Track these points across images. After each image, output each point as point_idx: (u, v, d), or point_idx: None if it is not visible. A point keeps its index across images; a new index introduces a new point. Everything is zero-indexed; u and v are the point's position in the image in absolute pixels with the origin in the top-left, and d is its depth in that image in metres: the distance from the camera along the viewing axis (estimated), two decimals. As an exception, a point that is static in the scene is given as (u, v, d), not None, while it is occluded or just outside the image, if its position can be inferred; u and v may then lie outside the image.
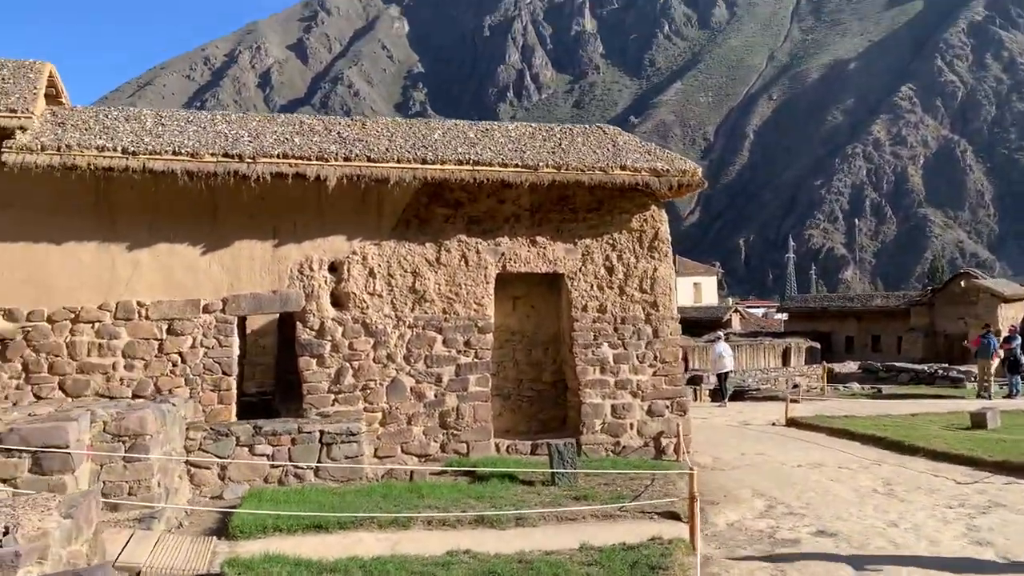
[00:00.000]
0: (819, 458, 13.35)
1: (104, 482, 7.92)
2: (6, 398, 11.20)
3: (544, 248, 13.12)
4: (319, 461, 10.23)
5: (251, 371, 18.52)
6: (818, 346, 41.35)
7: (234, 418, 12.00)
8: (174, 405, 9.50)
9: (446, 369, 12.67)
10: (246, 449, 10.08)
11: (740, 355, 36.92)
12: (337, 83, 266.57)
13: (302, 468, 10.20)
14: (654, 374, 13.36)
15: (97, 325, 11.73)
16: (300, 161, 11.76)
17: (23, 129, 11.22)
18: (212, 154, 11.53)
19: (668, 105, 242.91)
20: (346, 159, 11.89)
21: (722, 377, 24.16)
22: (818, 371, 30.14)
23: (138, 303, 11.87)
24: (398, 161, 12.04)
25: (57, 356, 11.57)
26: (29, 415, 8.10)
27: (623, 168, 12.85)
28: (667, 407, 13.32)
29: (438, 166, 12.18)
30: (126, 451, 7.98)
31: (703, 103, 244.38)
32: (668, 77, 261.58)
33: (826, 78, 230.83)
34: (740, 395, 25.77)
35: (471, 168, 12.28)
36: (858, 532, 8.53)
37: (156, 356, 11.85)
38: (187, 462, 9.95)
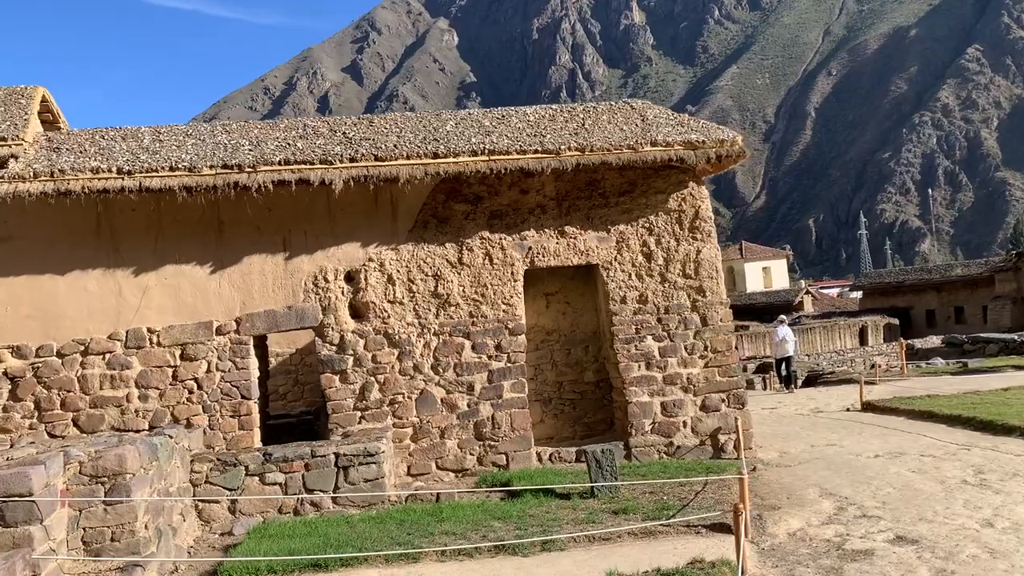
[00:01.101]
0: (898, 446, 11.96)
1: (84, 529, 7.23)
2: (13, 442, 10.73)
3: (574, 239, 12.09)
4: (336, 486, 9.42)
5: (299, 391, 18.02)
6: (897, 322, 39.09)
7: (257, 443, 11.33)
8: (170, 437, 8.80)
9: (477, 376, 11.75)
10: (256, 479, 9.34)
11: (813, 337, 35.12)
12: (392, 100, 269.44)
13: (318, 495, 9.40)
14: (706, 366, 12.18)
15: (108, 356, 11.20)
16: (303, 166, 11.01)
17: (15, 157, 10.77)
18: (211, 167, 10.88)
19: (725, 90, 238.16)
20: (352, 160, 11.10)
21: (785, 362, 22.68)
22: (897, 349, 28.20)
23: (148, 329, 11.29)
24: (408, 158, 11.20)
25: (69, 391, 11.07)
26: (8, 459, 7.47)
27: (654, 144, 11.75)
28: (723, 401, 12.12)
29: (451, 159, 11.29)
30: (106, 493, 7.28)
31: (760, 85, 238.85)
32: (722, 62, 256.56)
33: (886, 48, 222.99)
34: (813, 380, 24.19)
35: (487, 158, 11.36)
36: (945, 536, 7.26)
37: (171, 384, 11.26)
38: (194, 496, 9.26)
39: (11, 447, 9.01)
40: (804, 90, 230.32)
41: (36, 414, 11.01)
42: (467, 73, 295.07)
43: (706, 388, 12.13)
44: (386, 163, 11.13)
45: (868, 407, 16.16)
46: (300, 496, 9.37)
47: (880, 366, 26.31)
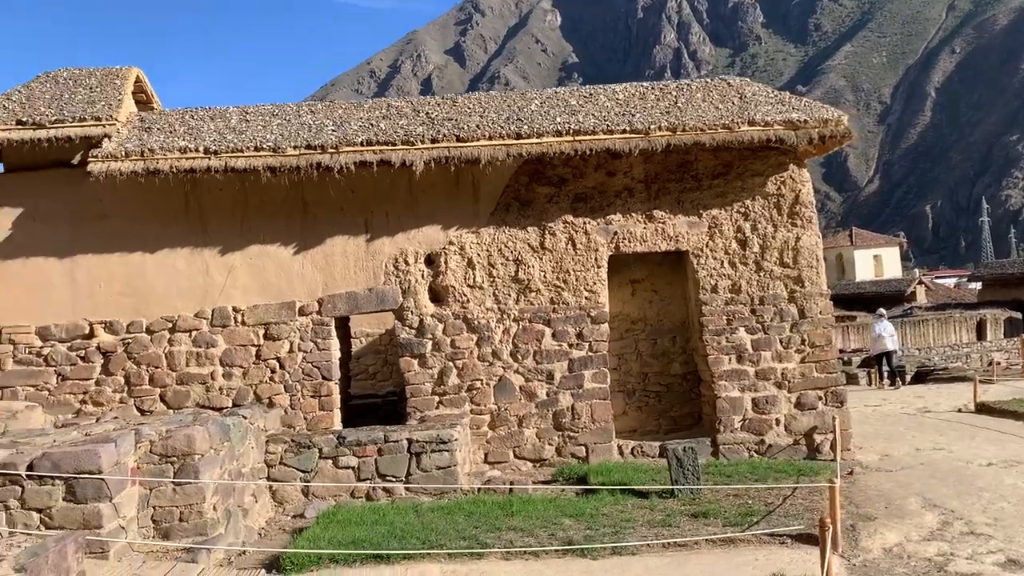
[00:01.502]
0: (1016, 453, 10.96)
1: (154, 508, 7.27)
2: (99, 417, 11.04)
3: (663, 223, 11.53)
4: (408, 472, 9.26)
5: (388, 371, 18.10)
6: (1020, 316, 36.47)
7: (337, 425, 11.33)
8: (244, 417, 8.80)
9: (557, 365, 11.39)
10: (330, 462, 9.27)
11: (925, 330, 33.17)
12: (494, 82, 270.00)
13: (391, 481, 9.26)
14: (802, 361, 11.45)
15: (194, 333, 11.38)
16: (384, 147, 10.86)
17: (108, 137, 11.00)
18: (295, 147, 10.87)
19: (838, 70, 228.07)
20: (433, 141, 10.87)
21: (885, 357, 21.38)
22: (1019, 345, 26.24)
23: (234, 308, 11.41)
24: (490, 138, 10.89)
25: (157, 367, 11.31)
26: (86, 435, 7.60)
27: (751, 123, 11.05)
28: (819, 398, 11.38)
29: (534, 140, 10.92)
30: (175, 473, 7.30)
31: (876, 64, 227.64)
32: (836, 40, 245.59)
33: (1017, 23, 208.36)
34: (923, 376, 22.75)
35: (572, 139, 10.93)
36: (1067, 563, 6.49)
37: (254, 363, 11.36)
38: (268, 477, 9.27)
39: (96, 422, 9.22)
40: (924, 69, 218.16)
41: (126, 389, 11.30)
42: (569, 54, 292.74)
43: (802, 384, 11.41)
44: (467, 144, 10.86)
45: (983, 408, 14.97)
46: (372, 481, 9.26)
47: (999, 363, 24.50)
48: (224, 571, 6.55)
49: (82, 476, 6.60)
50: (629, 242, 11.48)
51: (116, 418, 9.36)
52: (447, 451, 9.27)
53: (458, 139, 10.89)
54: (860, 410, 15.14)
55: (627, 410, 12.02)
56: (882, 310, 24.45)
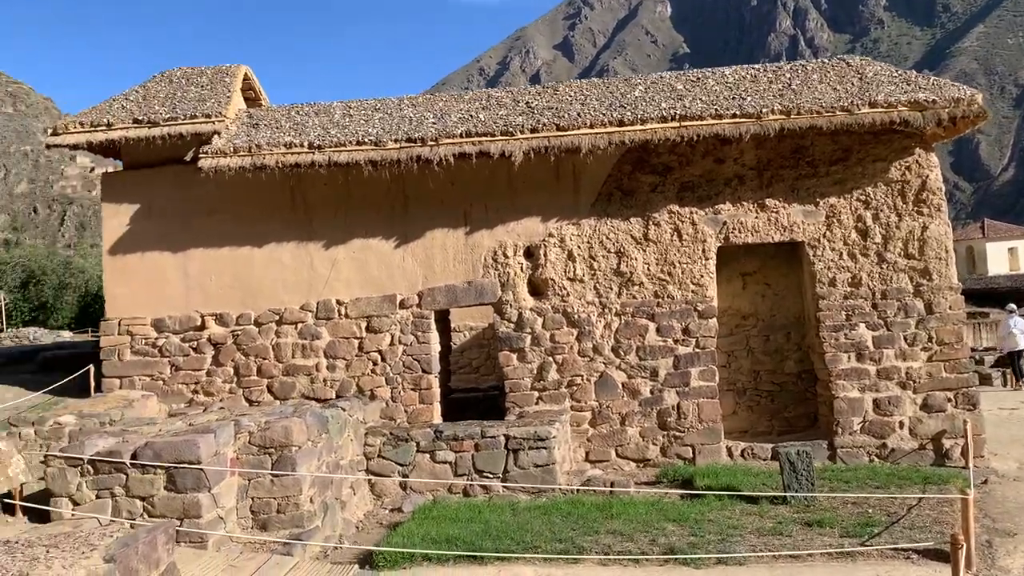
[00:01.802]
0: None
1: (252, 499, 7.33)
2: (218, 401, 11.33)
3: (776, 212, 10.91)
4: (505, 469, 9.06)
5: (491, 365, 18.04)
6: None
7: (437, 419, 11.26)
8: (343, 409, 8.81)
9: (662, 362, 10.95)
10: (427, 456, 9.17)
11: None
12: (603, 75, 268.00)
13: (488, 477, 9.09)
14: (929, 359, 10.61)
15: (300, 326, 11.54)
16: (483, 138, 10.69)
17: (218, 133, 11.27)
18: (395, 140, 10.84)
19: (968, 53, 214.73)
20: (533, 130, 10.63)
21: (1018, 355, 19.73)
22: None
23: (337, 301, 11.51)
24: (591, 126, 10.55)
25: (264, 358, 11.53)
26: (189, 424, 7.74)
27: (872, 104, 10.30)
28: (949, 400, 10.52)
29: (637, 127, 10.51)
30: (273, 464, 7.32)
31: (1012, 45, 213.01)
32: (967, 21, 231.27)
33: None
34: (1069, 379, 20.85)
35: (678, 124, 10.47)
36: None
37: (357, 355, 11.42)
38: (367, 470, 9.25)
39: (204, 411, 9.43)
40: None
41: (235, 379, 11.56)
42: (680, 45, 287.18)
43: (929, 384, 10.57)
44: (568, 132, 10.56)
45: None
46: (469, 477, 9.11)
47: None
48: (318, 565, 6.50)
49: (182, 466, 6.70)
50: (739, 233, 10.92)
51: (222, 408, 9.56)
52: (544, 448, 9.02)
53: (558, 128, 10.61)
54: (994, 413, 13.97)
55: (737, 410, 11.46)
56: (1012, 305, 22.61)
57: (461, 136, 10.71)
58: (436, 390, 11.38)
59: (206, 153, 11.02)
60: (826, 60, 11.72)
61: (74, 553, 4.38)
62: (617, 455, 10.96)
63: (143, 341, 11.70)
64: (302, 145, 10.94)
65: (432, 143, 10.73)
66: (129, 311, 11.74)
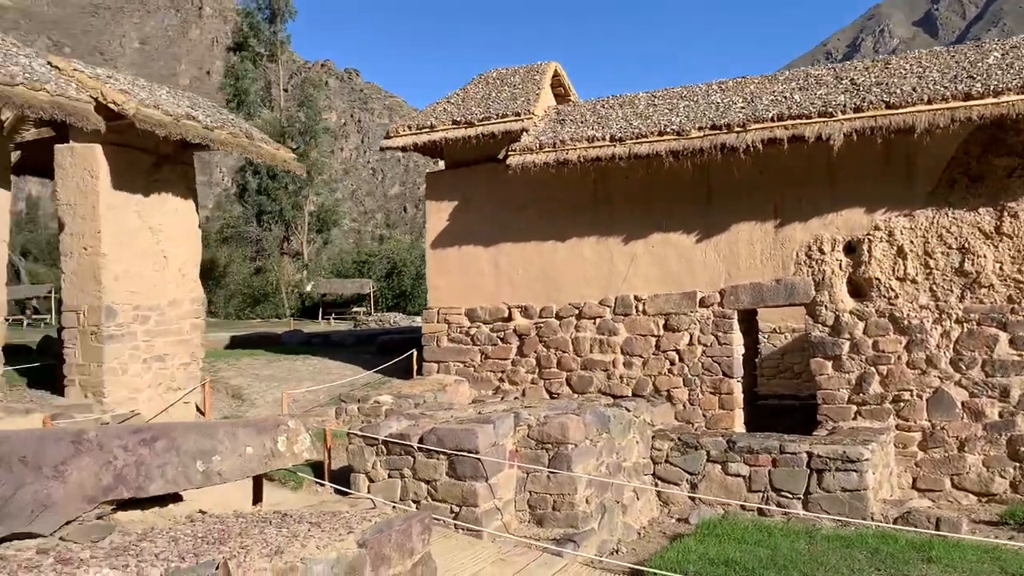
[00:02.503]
0: None
1: (530, 492, 7.28)
2: (521, 390, 11.63)
3: None
4: (807, 490, 8.09)
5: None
6: None
7: (738, 426, 10.52)
8: (628, 410, 8.46)
9: (1016, 379, 9.14)
10: (718, 466, 8.50)
11: None
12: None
13: (786, 497, 8.18)
14: None
15: (598, 321, 11.44)
16: (797, 121, 9.70)
17: (526, 131, 11.53)
18: (698, 128, 10.26)
19: None
20: (856, 110, 9.42)
21: None
22: None
23: (635, 297, 11.23)
24: (928, 102, 9.09)
25: (564, 352, 11.60)
26: (479, 413, 7.93)
27: None
28: None
29: (989, 100, 8.85)
30: (549, 460, 7.21)
31: None
32: None
33: None
34: None
35: (1044, 95, 8.63)
36: None
37: (653, 353, 11.05)
38: (653, 475, 8.82)
39: (501, 400, 9.68)
40: None
41: (537, 370, 11.79)
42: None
43: None
44: (898, 111, 9.19)
45: None
46: (765, 494, 8.29)
47: None
48: (587, 571, 6.26)
49: (461, 453, 6.84)
50: None
51: (517, 399, 9.74)
52: (855, 471, 7.90)
53: (887, 105, 9.28)
54: None
55: (1121, 445, 9.22)
56: None
57: (772, 120, 9.83)
58: (738, 395, 10.62)
59: (514, 150, 11.32)
60: None
61: (332, 534, 4.54)
62: (952, 485, 9.36)
63: (458, 329, 12.38)
64: (603, 138, 10.79)
65: (739, 129, 9.98)
66: (447, 301, 12.49)
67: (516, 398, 10.28)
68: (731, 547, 6.85)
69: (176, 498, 4.98)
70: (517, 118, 11.58)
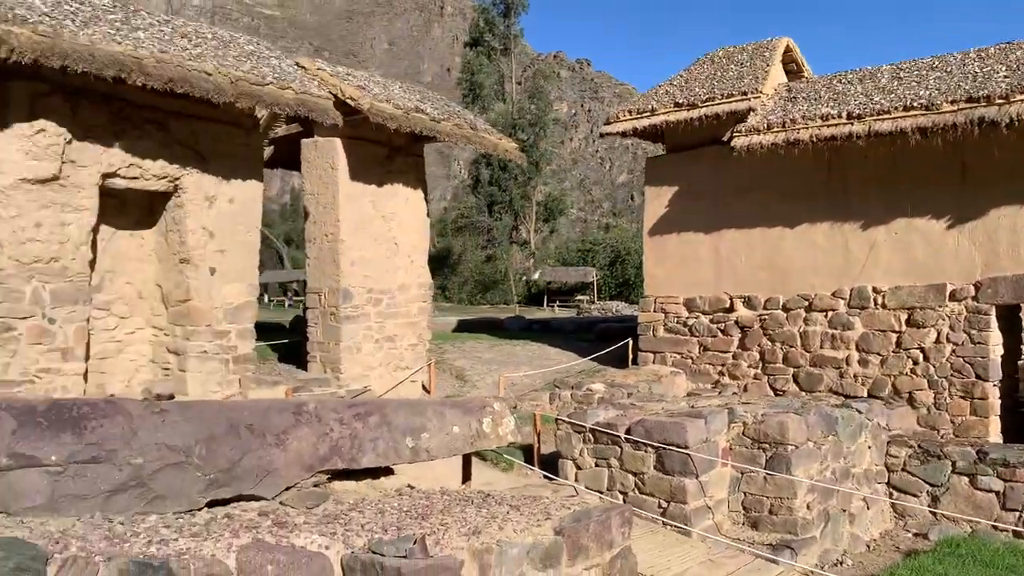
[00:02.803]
0: None
1: (744, 494, 6.87)
2: (742, 386, 11.09)
3: None
4: (1078, 514, 7.00)
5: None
6: None
7: (993, 436, 9.37)
8: (859, 412, 7.76)
9: None
10: (965, 479, 7.58)
11: None
12: None
13: (1050, 520, 7.14)
14: None
15: (830, 314, 10.65)
16: (1075, 89, 8.41)
17: (753, 110, 10.94)
18: (951, 102, 9.23)
19: None
20: None
21: None
22: None
23: (873, 289, 10.33)
24: None
25: (791, 346, 10.92)
26: (691, 407, 7.63)
27: None
28: None
29: None
30: (766, 461, 6.76)
31: None
32: None
33: None
34: None
35: None
36: None
37: (893, 351, 10.10)
38: (888, 483, 8.03)
39: (718, 395, 9.29)
40: None
41: (760, 365, 11.19)
42: None
43: None
44: None
45: None
46: (1022, 514, 7.29)
47: None
48: (799, 583, 5.83)
49: (669, 447, 6.61)
50: None
51: (735, 394, 9.32)
52: None
53: None
54: None
55: None
56: None
57: (1043, 89, 8.60)
58: (993, 401, 9.44)
59: (739, 131, 10.79)
60: None
61: (530, 519, 4.54)
62: None
63: (675, 319, 12.05)
64: (839, 116, 9.99)
65: (1000, 101, 8.84)
66: (664, 290, 12.19)
67: (734, 393, 9.81)
68: (976, 571, 6.09)
69: (387, 471, 5.21)
70: (743, 97, 11.02)
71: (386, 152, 10.92)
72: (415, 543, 3.84)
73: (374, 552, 3.76)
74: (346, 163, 10.33)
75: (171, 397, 8.42)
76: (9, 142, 7.32)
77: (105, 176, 8.06)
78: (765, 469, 6.81)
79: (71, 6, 7.74)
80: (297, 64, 9.94)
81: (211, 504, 4.04)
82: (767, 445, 6.85)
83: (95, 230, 8.14)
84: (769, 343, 11.11)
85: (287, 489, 4.37)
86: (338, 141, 10.25)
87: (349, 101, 9.71)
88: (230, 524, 3.82)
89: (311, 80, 9.55)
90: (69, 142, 7.71)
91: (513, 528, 4.40)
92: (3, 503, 3.25)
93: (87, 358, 8.15)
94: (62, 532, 3.22)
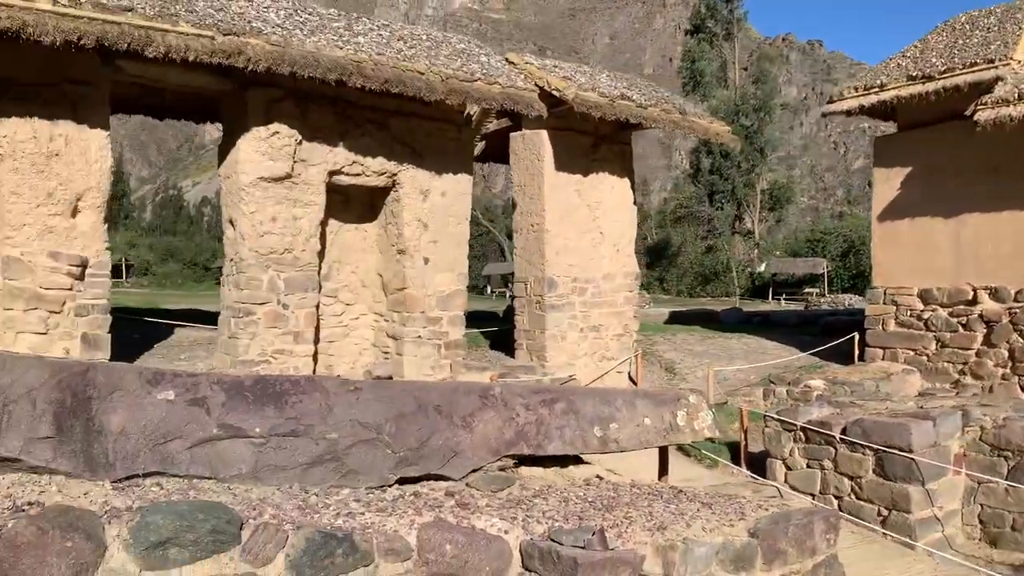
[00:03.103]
0: None
1: (981, 505, 6.11)
2: (988, 386, 9.94)
3: None
4: None
5: None
6: None
7: None
8: None
9: None
10: None
11: None
12: None
13: None
14: None
15: (1098, 308, 9.26)
16: None
17: (1000, 80, 9.74)
18: None
19: None
20: None
21: None
22: None
23: None
24: None
25: (1048, 344, 9.63)
26: (919, 407, 6.92)
27: None
28: None
29: None
30: (1008, 471, 5.96)
31: None
32: None
33: None
34: None
35: None
36: None
37: None
38: None
39: (956, 395, 8.38)
40: None
41: (1010, 364, 9.97)
42: None
43: None
44: None
45: None
46: None
47: None
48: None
49: (890, 451, 6.04)
50: None
51: (977, 395, 8.35)
52: None
53: None
54: None
55: None
56: None
57: None
58: None
59: (984, 104, 9.63)
60: None
61: (722, 518, 4.33)
62: None
63: (908, 312, 11.02)
64: (1112, 79, 8.64)
65: None
66: (895, 280, 11.19)
67: (974, 394, 8.78)
68: None
69: (577, 460, 5.17)
70: (990, 66, 9.84)
71: (591, 141, 10.89)
72: (594, 534, 3.77)
73: (553, 540, 3.73)
74: (551, 153, 10.41)
75: (389, 378, 8.97)
76: (248, 144, 8.10)
77: (331, 173, 8.70)
78: (1007, 480, 6.04)
79: (300, 17, 8.41)
80: (506, 59, 10.15)
81: (401, 481, 4.21)
82: (1010, 453, 6.07)
83: (323, 224, 8.82)
84: (1020, 340, 9.86)
85: (474, 471, 4.45)
86: (544, 132, 10.36)
87: (554, 92, 9.77)
88: (415, 502, 3.96)
89: (518, 74, 9.72)
90: (300, 143, 8.39)
91: (702, 526, 4.20)
92: (213, 470, 3.57)
93: (316, 341, 8.85)
94: (261, 500, 3.49)
